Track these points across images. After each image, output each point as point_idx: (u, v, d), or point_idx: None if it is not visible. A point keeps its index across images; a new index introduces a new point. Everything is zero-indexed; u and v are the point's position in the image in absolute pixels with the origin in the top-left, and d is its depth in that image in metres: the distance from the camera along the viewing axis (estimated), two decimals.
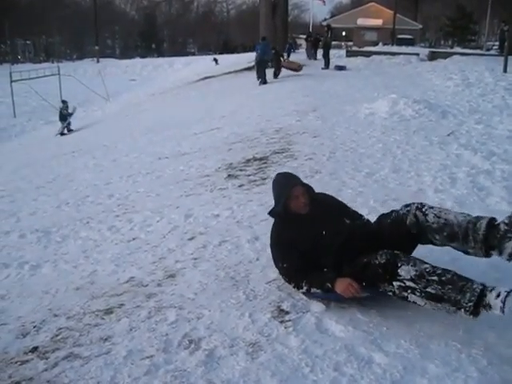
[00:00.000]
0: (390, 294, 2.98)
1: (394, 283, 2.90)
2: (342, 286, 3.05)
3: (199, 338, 3.06)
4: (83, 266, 4.85)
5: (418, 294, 2.84)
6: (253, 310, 3.29)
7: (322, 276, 3.20)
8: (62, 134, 20.85)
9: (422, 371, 2.59)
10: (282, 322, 3.12)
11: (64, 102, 22.70)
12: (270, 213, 3.65)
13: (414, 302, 2.89)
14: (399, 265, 2.89)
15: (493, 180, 5.59)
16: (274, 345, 2.89)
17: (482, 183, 5.54)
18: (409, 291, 2.86)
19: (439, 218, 3.10)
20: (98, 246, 5.40)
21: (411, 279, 2.84)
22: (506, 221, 2.89)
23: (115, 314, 3.58)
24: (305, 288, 3.25)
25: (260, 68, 18.72)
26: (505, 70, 15.46)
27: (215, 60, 40.42)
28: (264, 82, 18.49)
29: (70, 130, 21.19)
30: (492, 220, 2.97)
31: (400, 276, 2.87)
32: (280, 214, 3.54)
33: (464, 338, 2.83)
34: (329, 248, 3.28)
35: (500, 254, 2.91)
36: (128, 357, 2.97)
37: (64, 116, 21.56)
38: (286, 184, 3.52)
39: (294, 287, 3.37)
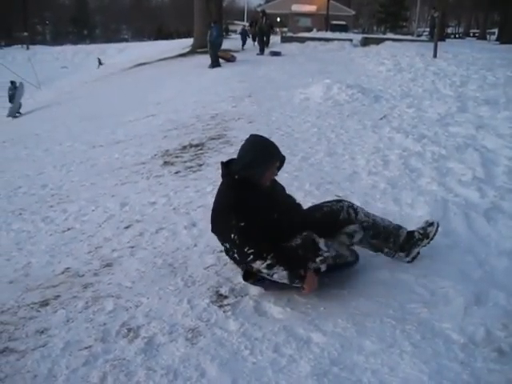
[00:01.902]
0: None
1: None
2: (312, 281, 3.04)
3: (138, 326, 3.04)
4: (16, 258, 4.70)
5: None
6: (191, 296, 3.29)
7: (296, 260, 3.05)
8: (15, 116, 20.08)
9: (359, 348, 2.67)
10: (220, 306, 3.13)
11: (12, 82, 21.84)
12: (239, 173, 3.17)
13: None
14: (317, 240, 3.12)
15: (424, 162, 5.77)
16: (214, 329, 2.91)
17: (413, 165, 5.72)
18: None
19: (368, 217, 3.48)
20: (31, 237, 5.23)
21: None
22: (421, 231, 3.54)
23: (51, 306, 3.50)
24: (267, 262, 2.97)
25: (214, 51, 18.46)
26: (435, 56, 15.95)
27: (99, 60, 38.53)
28: (217, 65, 18.29)
29: (18, 113, 20.39)
30: (410, 231, 3.55)
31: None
32: (251, 179, 3.19)
33: (398, 315, 2.93)
34: (285, 223, 3.23)
35: (406, 256, 3.51)
36: (65, 348, 2.91)
37: (12, 97, 20.68)
38: (275, 154, 3.26)
39: (247, 257, 3.01)
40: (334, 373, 2.49)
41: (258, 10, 39.36)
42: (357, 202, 4.62)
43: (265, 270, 3.01)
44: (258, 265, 3.00)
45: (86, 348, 2.87)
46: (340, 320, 2.90)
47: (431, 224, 3.55)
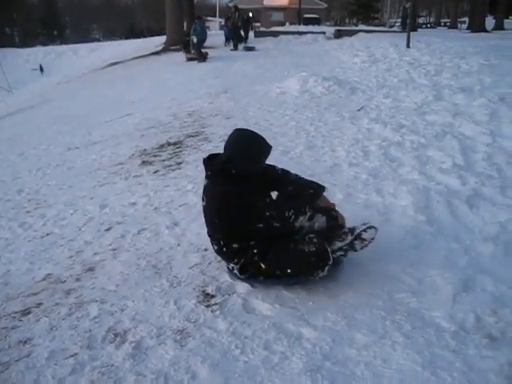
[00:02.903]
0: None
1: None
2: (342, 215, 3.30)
3: (124, 330, 2.97)
4: None
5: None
6: (178, 297, 3.22)
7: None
8: None
9: (350, 341, 2.64)
10: (208, 306, 3.08)
11: None
12: (239, 168, 3.13)
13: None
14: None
15: (403, 151, 5.78)
16: (202, 330, 2.85)
17: (393, 154, 5.72)
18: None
19: None
20: (9, 244, 5.10)
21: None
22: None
23: (33, 315, 3.40)
24: (308, 214, 3.12)
25: (198, 46, 18.39)
26: (408, 46, 16.02)
27: (40, 67, 37.86)
28: (204, 59, 18.23)
29: None
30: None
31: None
32: (249, 172, 3.18)
33: (387, 306, 2.91)
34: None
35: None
36: (50, 357, 2.83)
37: None
38: (268, 146, 3.25)
39: (289, 219, 3.10)
40: (326, 368, 2.46)
41: (230, 5, 39.14)
42: (339, 194, 4.66)
43: (307, 223, 3.14)
44: (301, 220, 3.13)
45: (72, 356, 2.80)
46: (329, 314, 2.87)
47: (370, 227, 3.35)
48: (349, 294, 3.05)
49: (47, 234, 5.10)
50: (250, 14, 26.57)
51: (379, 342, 2.60)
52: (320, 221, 3.17)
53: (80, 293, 3.58)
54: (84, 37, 67.03)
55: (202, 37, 18.78)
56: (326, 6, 56.23)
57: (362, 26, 39.79)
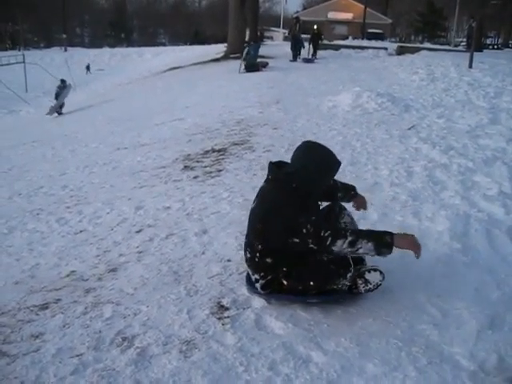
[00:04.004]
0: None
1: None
2: (409, 241, 2.92)
3: (133, 335, 2.92)
4: (26, 259, 4.66)
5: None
6: (192, 306, 3.16)
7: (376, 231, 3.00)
8: (59, 113, 19.97)
9: (360, 370, 2.50)
10: (220, 318, 3.00)
11: (62, 81, 21.83)
12: (300, 185, 3.00)
13: None
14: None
15: (449, 174, 5.56)
16: (210, 343, 2.77)
17: (437, 177, 5.51)
18: None
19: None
20: (44, 238, 5.20)
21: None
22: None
23: (50, 310, 3.42)
24: (348, 239, 2.82)
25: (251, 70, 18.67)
26: (470, 66, 15.57)
27: (87, 67, 38.79)
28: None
29: (60, 113, 20.22)
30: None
31: None
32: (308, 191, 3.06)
33: (405, 336, 2.75)
34: None
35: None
36: (56, 355, 2.82)
37: (57, 95, 20.78)
38: (337, 165, 3.15)
39: (326, 240, 2.84)
40: None
41: (293, 16, 39.23)
42: (375, 214, 4.50)
43: (349, 249, 2.87)
44: (340, 245, 2.85)
45: (78, 356, 2.77)
46: (343, 339, 2.74)
47: (376, 270, 3.14)
48: (367, 321, 2.91)
49: (80, 231, 5.15)
50: (315, 27, 26.41)
51: (390, 374, 2.45)
52: (366, 247, 2.85)
53: (99, 293, 3.57)
54: (150, 41, 68.58)
55: (253, 61, 19.03)
56: (390, 21, 55.57)
57: (426, 44, 39.10)
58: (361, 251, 2.89)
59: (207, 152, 7.61)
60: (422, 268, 3.54)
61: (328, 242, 2.85)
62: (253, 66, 18.74)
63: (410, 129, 7.87)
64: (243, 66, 18.83)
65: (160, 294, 3.37)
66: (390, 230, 2.92)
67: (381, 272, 3.10)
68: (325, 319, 2.94)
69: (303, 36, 22.83)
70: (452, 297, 3.13)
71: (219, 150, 7.56)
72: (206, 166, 6.77)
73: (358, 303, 3.11)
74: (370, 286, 3.11)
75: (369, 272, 3.10)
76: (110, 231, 4.94)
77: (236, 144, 7.74)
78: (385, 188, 5.27)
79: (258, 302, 3.14)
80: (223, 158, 7.03)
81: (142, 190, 6.19)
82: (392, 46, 28.56)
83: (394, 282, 3.32)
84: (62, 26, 60.48)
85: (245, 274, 3.38)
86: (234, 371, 2.54)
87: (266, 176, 3.20)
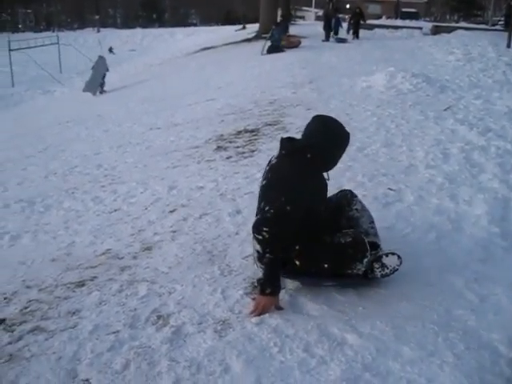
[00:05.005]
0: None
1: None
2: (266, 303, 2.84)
3: (168, 313, 2.95)
4: (62, 237, 4.73)
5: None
6: (226, 286, 3.17)
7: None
8: (101, 92, 19.62)
9: (396, 354, 2.47)
10: (254, 299, 2.99)
11: (101, 57, 21.14)
12: (316, 155, 2.97)
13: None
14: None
15: (487, 156, 5.44)
16: (244, 323, 2.78)
17: (475, 159, 5.39)
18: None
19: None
20: (79, 216, 5.27)
21: None
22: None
23: (87, 287, 3.47)
24: (273, 249, 2.76)
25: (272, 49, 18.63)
26: (508, 46, 15.18)
27: (110, 49, 37.71)
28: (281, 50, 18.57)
29: (101, 92, 19.78)
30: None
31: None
32: (324, 163, 3.09)
33: (442, 321, 2.71)
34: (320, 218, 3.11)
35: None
36: (93, 331, 2.86)
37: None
38: (348, 141, 3.15)
39: (268, 230, 2.74)
40: (365, 379, 2.31)
41: None
42: (410, 197, 4.44)
43: (255, 254, 2.85)
44: (255, 246, 2.82)
45: (114, 333, 2.81)
46: (378, 322, 2.71)
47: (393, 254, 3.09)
48: (402, 304, 2.87)
49: (115, 210, 5.21)
50: (347, 6, 25.97)
51: (427, 359, 2.42)
52: (263, 266, 2.84)
53: (134, 271, 3.61)
54: (182, 21, 68.39)
55: (277, 43, 18.98)
56: (425, 0, 54.33)
57: (462, 23, 38.16)
58: (258, 264, 2.91)
59: (240, 132, 7.59)
60: (459, 252, 3.49)
61: (258, 237, 2.78)
62: (275, 48, 18.58)
63: (446, 110, 7.70)
64: (266, 48, 18.70)
65: (194, 274, 3.39)
66: (275, 286, 2.83)
67: (399, 256, 3.05)
68: (359, 301, 2.92)
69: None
70: (490, 281, 3.07)
71: (252, 131, 7.54)
72: (238, 147, 6.76)
73: (393, 286, 3.07)
74: (386, 270, 3.06)
75: (386, 256, 3.06)
76: (144, 210, 4.98)
77: (269, 124, 7.70)
78: (420, 170, 5.17)
79: (293, 283, 3.12)
80: (256, 139, 7.01)
81: (175, 170, 6.22)
82: (427, 25, 27.98)
83: (431, 265, 3.28)
84: (94, 7, 60.80)
85: None
86: (268, 352, 2.54)
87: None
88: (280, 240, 2.79)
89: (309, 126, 3.12)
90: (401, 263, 3.06)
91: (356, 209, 3.32)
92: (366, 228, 3.26)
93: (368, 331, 2.64)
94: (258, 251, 2.79)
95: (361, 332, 2.64)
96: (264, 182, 3.09)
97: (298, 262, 2.99)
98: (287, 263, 2.97)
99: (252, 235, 2.87)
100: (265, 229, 2.75)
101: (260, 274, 2.91)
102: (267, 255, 2.77)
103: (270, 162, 3.19)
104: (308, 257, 2.97)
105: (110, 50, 38.05)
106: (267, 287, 2.81)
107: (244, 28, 36.97)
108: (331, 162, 3.11)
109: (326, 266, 2.96)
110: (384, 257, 3.05)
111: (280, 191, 2.87)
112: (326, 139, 3.00)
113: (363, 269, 2.99)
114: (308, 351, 2.52)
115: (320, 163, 3.03)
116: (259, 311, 2.82)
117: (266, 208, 2.82)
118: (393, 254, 3.06)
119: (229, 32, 36.50)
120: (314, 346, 2.56)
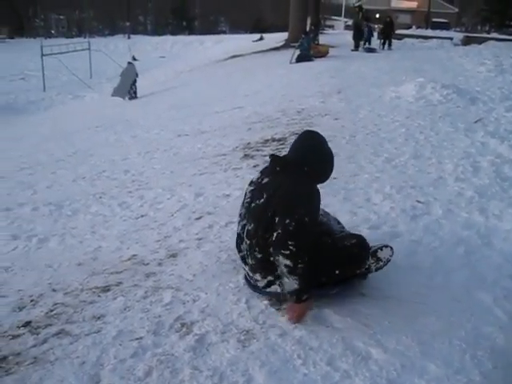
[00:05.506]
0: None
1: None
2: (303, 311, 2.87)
3: (192, 321, 2.95)
4: (89, 241, 4.77)
5: None
6: (250, 296, 3.15)
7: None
8: (131, 97, 19.58)
9: (422, 371, 2.43)
10: (278, 309, 2.98)
11: (129, 62, 21.26)
12: (311, 169, 3.05)
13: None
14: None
15: None
16: (268, 333, 2.76)
17: (506, 173, 5.31)
18: None
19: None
20: (106, 221, 5.31)
21: None
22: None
23: (112, 292, 3.49)
24: (295, 265, 2.73)
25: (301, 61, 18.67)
26: None
27: (133, 57, 37.89)
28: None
29: (132, 98, 19.70)
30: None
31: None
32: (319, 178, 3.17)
33: (470, 338, 2.66)
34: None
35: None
36: (117, 337, 2.87)
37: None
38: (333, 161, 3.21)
39: (285, 248, 2.73)
40: None
41: (355, 5, 38.59)
42: (439, 210, 4.38)
43: (284, 269, 2.76)
44: (283, 261, 2.74)
45: (137, 339, 2.82)
46: (404, 337, 2.67)
47: (386, 246, 3.22)
48: (429, 319, 2.83)
49: (141, 216, 5.24)
50: (377, 16, 25.92)
51: (453, 377, 2.37)
52: (290, 283, 2.81)
53: (159, 277, 3.62)
54: (211, 29, 68.94)
55: (306, 52, 19.00)
56: (456, 10, 53.84)
57: (494, 34, 37.67)
58: (286, 280, 2.81)
59: (267, 141, 7.59)
60: (489, 267, 3.43)
61: (284, 252, 2.73)
62: (304, 56, 18.58)
63: (476, 122, 7.59)
64: (295, 57, 18.71)
65: (219, 282, 3.38)
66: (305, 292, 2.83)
67: (391, 248, 3.19)
68: (386, 315, 2.88)
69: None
70: None
71: (279, 140, 7.53)
72: (265, 155, 6.74)
73: (422, 300, 3.03)
74: (380, 263, 3.17)
75: (381, 250, 3.17)
76: (171, 217, 5.00)
77: (296, 134, 7.64)
78: (449, 183, 5.11)
79: (317, 294, 3.09)
80: (283, 148, 6.99)
81: (202, 177, 6.24)
82: (457, 35, 27.73)
83: (459, 281, 3.23)
84: (125, 14, 61.61)
85: None
86: (291, 363, 2.52)
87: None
88: (305, 250, 2.77)
89: (298, 141, 3.17)
90: (393, 254, 3.19)
91: (321, 214, 3.27)
92: (338, 228, 3.34)
93: (393, 346, 2.61)
94: (287, 266, 2.74)
95: (386, 347, 2.60)
96: (260, 201, 3.02)
97: None
98: None
99: (275, 255, 2.81)
100: (290, 243, 2.72)
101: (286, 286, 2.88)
102: (299, 266, 2.73)
103: (258, 181, 3.16)
104: (315, 266, 2.86)
105: (134, 58, 38.38)
106: (304, 294, 2.82)
107: (261, 39, 37.10)
108: (323, 176, 3.18)
109: (337, 272, 2.97)
110: (379, 251, 3.16)
111: (294, 204, 2.84)
112: (316, 154, 3.09)
113: (366, 266, 3.06)
114: (332, 364, 2.49)
115: (315, 176, 3.10)
116: (300, 317, 2.85)
117: (287, 221, 2.78)
118: (386, 246, 3.19)
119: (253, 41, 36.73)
120: (338, 359, 2.53)
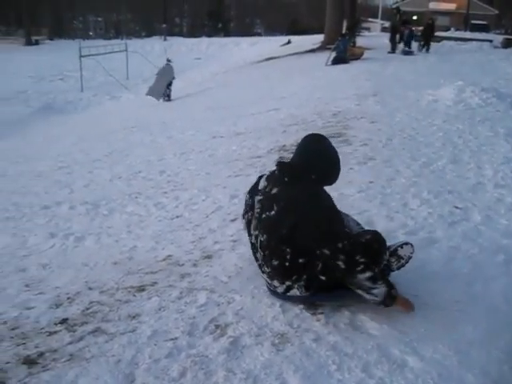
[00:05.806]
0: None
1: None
2: (406, 301, 2.91)
3: (226, 323, 2.95)
4: (125, 240, 4.83)
5: None
6: (285, 300, 3.14)
7: (372, 255, 2.82)
8: (165, 100, 19.46)
9: (459, 381, 2.38)
10: (313, 314, 2.95)
11: (168, 60, 21.09)
12: (319, 176, 3.02)
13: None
14: None
15: None
16: (302, 338, 2.74)
17: None
18: None
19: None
20: (142, 221, 5.37)
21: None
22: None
23: (147, 292, 3.52)
24: (374, 274, 2.74)
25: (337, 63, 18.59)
26: None
27: (168, 60, 37.61)
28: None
29: (166, 100, 19.56)
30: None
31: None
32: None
33: (509, 348, 2.59)
34: None
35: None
36: (152, 337, 2.89)
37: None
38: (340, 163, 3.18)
39: (357, 266, 2.71)
40: None
41: (393, 7, 38.21)
42: (478, 216, 4.30)
43: (367, 283, 2.73)
44: (363, 277, 2.72)
45: (172, 340, 2.83)
46: (441, 345, 2.62)
47: (406, 243, 3.18)
48: (467, 328, 2.77)
49: (177, 217, 5.28)
50: (414, 17, 25.61)
51: None
52: (380, 290, 2.78)
53: (193, 278, 3.63)
54: (247, 31, 69.17)
55: (342, 55, 18.83)
56: (496, 12, 52.80)
57: None
58: (375, 291, 2.76)
59: None
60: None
61: (358, 269, 2.72)
62: (340, 59, 18.46)
63: None
64: (331, 59, 18.61)
65: (253, 284, 3.38)
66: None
67: (412, 244, 3.14)
68: (422, 323, 2.83)
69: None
70: None
71: None
72: None
73: (462, 308, 2.97)
74: (402, 261, 3.13)
75: (401, 247, 3.12)
76: (206, 218, 5.03)
77: (332, 137, 7.57)
78: (489, 189, 5.01)
79: (353, 299, 3.06)
80: None
81: (237, 179, 6.26)
82: (497, 38, 27.17)
83: (498, 289, 3.16)
84: (162, 16, 62.32)
85: None
86: (326, 369, 2.50)
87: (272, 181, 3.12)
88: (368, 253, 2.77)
89: (302, 145, 3.11)
90: (413, 250, 3.13)
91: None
92: (357, 229, 3.22)
93: (430, 355, 2.56)
94: (369, 277, 2.72)
95: (422, 355, 2.56)
96: (270, 212, 3.01)
97: (323, 277, 2.91)
98: (312, 282, 2.93)
99: (352, 279, 2.78)
100: (357, 257, 2.72)
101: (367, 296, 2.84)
102: (376, 269, 2.75)
103: (266, 190, 3.12)
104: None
105: (168, 60, 38.72)
106: (394, 290, 2.83)
107: (289, 43, 36.95)
108: (330, 180, 3.13)
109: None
110: (399, 249, 3.11)
111: (328, 230, 2.81)
112: (321, 159, 3.04)
113: (385, 261, 2.94)
114: (367, 371, 2.46)
115: (322, 182, 3.08)
116: (408, 306, 2.89)
117: (339, 246, 2.75)
118: (406, 244, 3.14)
119: (293, 42, 36.67)
120: (373, 366, 2.50)
